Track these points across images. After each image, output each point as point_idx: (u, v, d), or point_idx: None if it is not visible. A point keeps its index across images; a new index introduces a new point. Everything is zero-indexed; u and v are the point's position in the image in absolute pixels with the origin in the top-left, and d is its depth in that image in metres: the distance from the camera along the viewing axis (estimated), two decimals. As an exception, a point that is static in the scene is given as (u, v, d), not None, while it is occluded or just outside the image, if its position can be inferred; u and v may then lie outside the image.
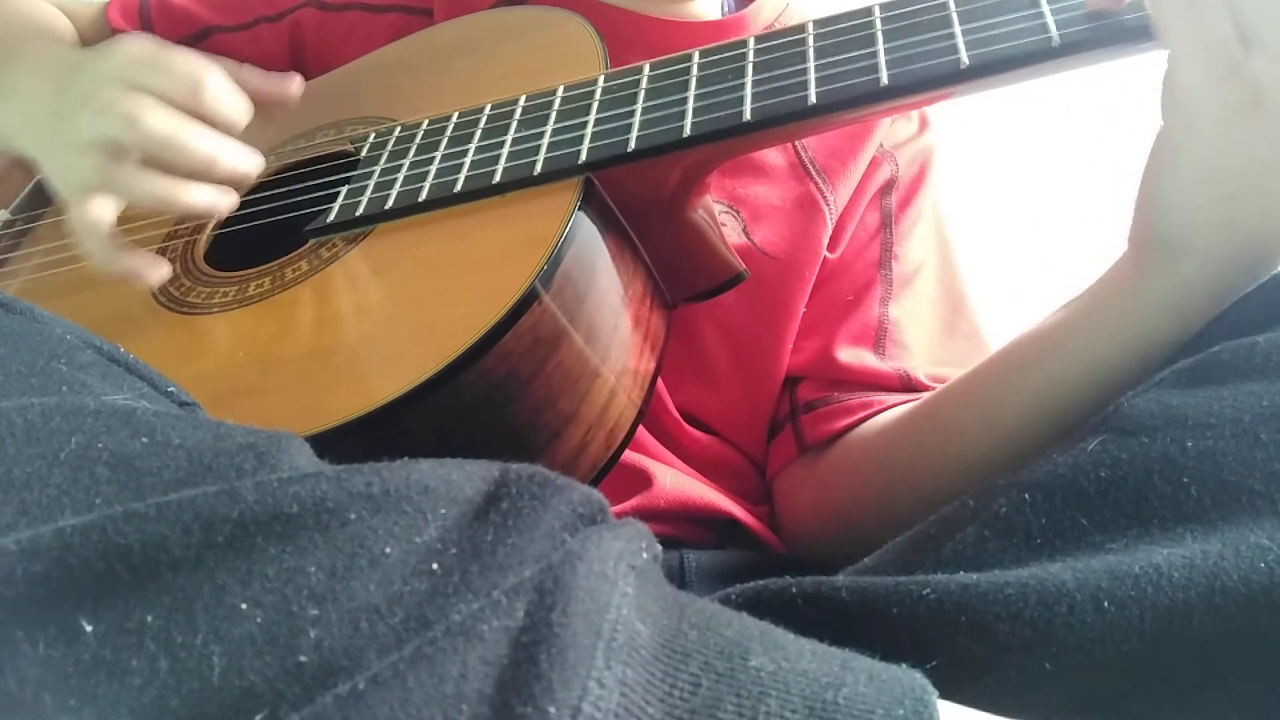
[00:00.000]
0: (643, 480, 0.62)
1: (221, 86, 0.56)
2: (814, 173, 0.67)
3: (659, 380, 0.56)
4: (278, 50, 0.73)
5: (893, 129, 0.71)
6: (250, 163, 0.56)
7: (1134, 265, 0.48)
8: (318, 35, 0.72)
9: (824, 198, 0.67)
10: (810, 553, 0.66)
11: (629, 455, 0.60)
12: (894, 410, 0.64)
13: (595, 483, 0.52)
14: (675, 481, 0.63)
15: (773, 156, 0.67)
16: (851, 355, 0.66)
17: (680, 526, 0.63)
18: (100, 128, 0.54)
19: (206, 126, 0.55)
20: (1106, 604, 0.33)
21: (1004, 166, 1.29)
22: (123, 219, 0.61)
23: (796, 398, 0.68)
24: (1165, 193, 0.46)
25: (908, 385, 0.66)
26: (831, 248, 0.68)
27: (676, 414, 0.66)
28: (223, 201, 0.55)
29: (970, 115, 1.08)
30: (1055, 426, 0.49)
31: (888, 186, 0.70)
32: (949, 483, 0.52)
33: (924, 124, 0.73)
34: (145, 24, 0.72)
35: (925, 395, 0.63)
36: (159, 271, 0.56)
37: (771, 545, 0.68)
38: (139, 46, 0.57)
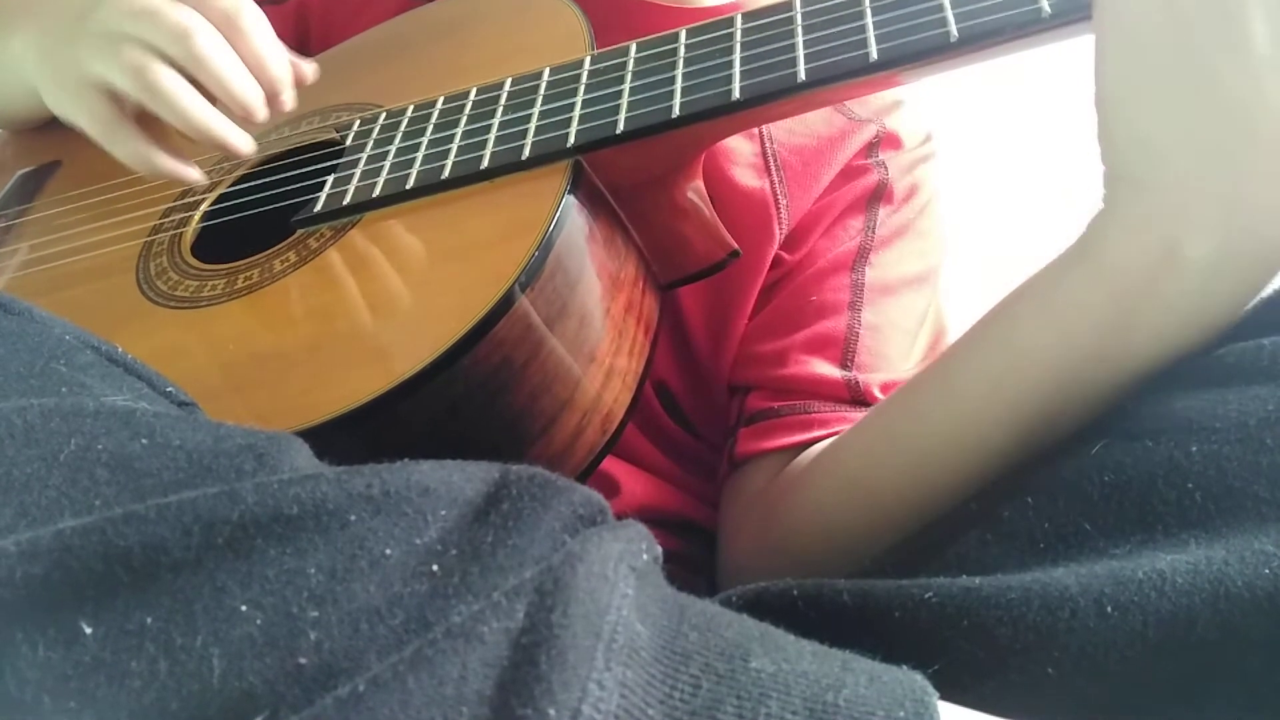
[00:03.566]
0: (610, 487, 0.61)
1: (261, 27, 0.56)
2: (773, 170, 0.66)
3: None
4: (283, 33, 0.71)
5: (890, 136, 0.70)
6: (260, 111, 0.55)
7: (1105, 203, 0.44)
8: (323, 17, 0.71)
9: (776, 202, 0.65)
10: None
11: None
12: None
13: (592, 467, 0.52)
14: (645, 488, 0.62)
15: (737, 140, 0.65)
16: (805, 364, 0.63)
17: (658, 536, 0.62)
18: (143, 30, 0.54)
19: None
20: (1109, 609, 0.32)
21: (1009, 183, 1.29)
22: (107, 210, 0.61)
23: (744, 407, 0.65)
24: (1109, 84, 0.42)
25: (856, 395, 0.62)
26: (790, 249, 0.66)
27: (655, 400, 0.65)
28: (241, 140, 0.55)
29: (976, 129, 1.08)
30: (1018, 395, 0.45)
31: (876, 193, 0.68)
32: (901, 491, 0.49)
33: (926, 138, 0.72)
34: None
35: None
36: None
37: None
38: None
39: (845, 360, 0.64)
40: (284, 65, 0.56)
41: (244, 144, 0.56)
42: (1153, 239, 0.41)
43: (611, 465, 0.62)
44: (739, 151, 0.65)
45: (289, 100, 0.56)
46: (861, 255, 0.67)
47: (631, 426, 0.62)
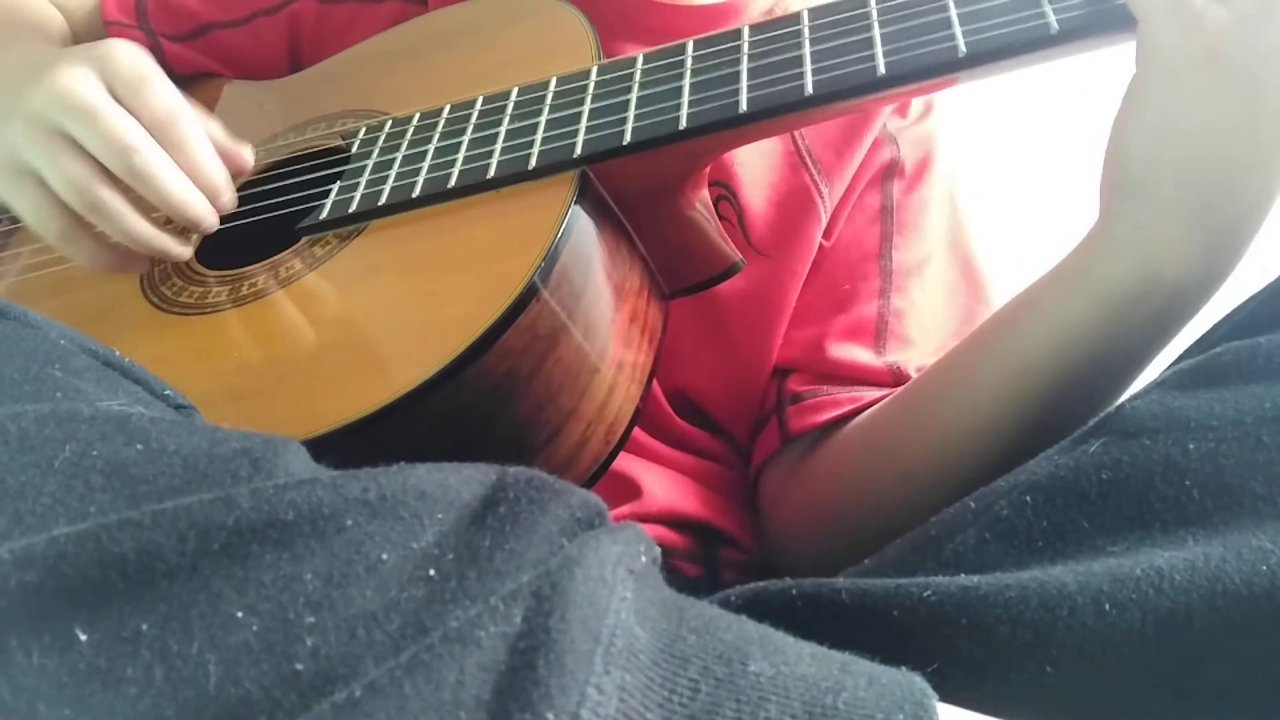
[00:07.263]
0: (631, 490, 0.62)
1: (197, 135, 0.54)
2: (809, 163, 0.66)
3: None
4: (276, 44, 0.72)
5: (896, 110, 0.70)
6: (212, 216, 0.54)
7: (1100, 216, 0.49)
8: (316, 28, 0.71)
9: (819, 191, 0.66)
10: (793, 558, 0.65)
11: (617, 462, 0.60)
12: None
13: (596, 477, 0.52)
14: (665, 491, 0.62)
15: (770, 142, 0.66)
16: (844, 350, 0.65)
17: (668, 535, 0.63)
18: (81, 132, 0.52)
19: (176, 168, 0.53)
20: (1108, 607, 0.32)
21: (1017, 151, 1.27)
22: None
23: (785, 389, 0.67)
24: (1129, 139, 0.47)
25: (899, 380, 0.64)
26: (826, 235, 0.67)
27: (667, 405, 0.65)
28: (182, 249, 0.55)
29: (981, 99, 1.06)
30: (1026, 394, 0.51)
31: (889, 171, 0.69)
32: (928, 465, 0.54)
33: (929, 108, 0.72)
34: (141, 20, 0.71)
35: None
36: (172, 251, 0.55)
37: (753, 554, 0.67)
38: (127, 59, 0.55)
39: (879, 345, 0.66)
40: (221, 170, 0.55)
41: (185, 251, 0.55)
42: (1141, 267, 0.48)
43: (626, 464, 0.62)
44: (773, 152, 0.66)
45: (229, 203, 0.55)
46: (886, 240, 0.68)
47: (643, 430, 0.62)
